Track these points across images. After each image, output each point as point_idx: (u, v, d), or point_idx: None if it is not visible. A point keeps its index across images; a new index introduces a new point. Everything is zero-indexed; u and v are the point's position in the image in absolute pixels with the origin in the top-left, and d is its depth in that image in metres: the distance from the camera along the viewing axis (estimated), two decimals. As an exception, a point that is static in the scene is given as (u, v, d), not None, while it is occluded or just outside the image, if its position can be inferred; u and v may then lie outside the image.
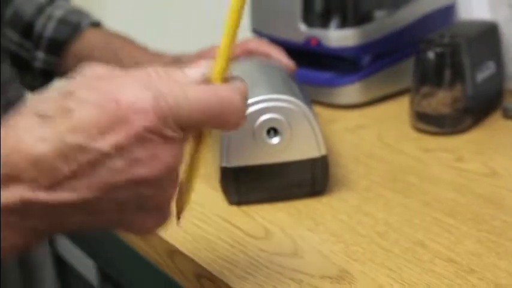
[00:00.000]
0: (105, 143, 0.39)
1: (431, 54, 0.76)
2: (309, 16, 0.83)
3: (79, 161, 0.38)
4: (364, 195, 0.65)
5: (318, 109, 0.82)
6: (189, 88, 0.41)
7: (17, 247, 0.40)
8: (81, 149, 0.38)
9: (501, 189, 0.65)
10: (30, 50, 0.90)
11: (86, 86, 0.40)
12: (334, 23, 0.83)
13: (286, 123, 0.62)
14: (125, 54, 0.87)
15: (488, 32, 0.83)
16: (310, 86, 0.84)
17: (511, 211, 0.61)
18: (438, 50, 0.76)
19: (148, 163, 0.40)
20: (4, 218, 0.38)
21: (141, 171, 0.40)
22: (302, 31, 0.83)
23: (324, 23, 0.83)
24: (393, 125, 0.80)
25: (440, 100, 0.76)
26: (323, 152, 0.63)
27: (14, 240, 0.40)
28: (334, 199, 0.65)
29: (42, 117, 0.39)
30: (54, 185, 0.38)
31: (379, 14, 0.84)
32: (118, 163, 0.39)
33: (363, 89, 0.85)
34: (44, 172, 0.38)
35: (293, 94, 0.63)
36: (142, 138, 0.39)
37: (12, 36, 0.89)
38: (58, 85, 0.42)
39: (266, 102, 0.62)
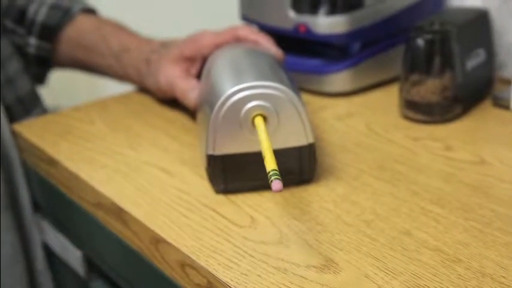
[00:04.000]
0: None
1: (420, 42, 0.75)
2: (297, 2, 0.82)
3: None
4: (351, 184, 0.64)
5: (307, 97, 0.81)
6: None
7: None
8: None
9: (490, 178, 0.65)
10: (23, 36, 0.89)
11: None
12: (323, 9, 0.82)
13: (273, 111, 0.61)
14: (114, 39, 0.87)
15: (479, 19, 0.82)
16: (299, 73, 0.83)
17: (499, 200, 0.61)
18: (428, 37, 0.75)
19: None
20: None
21: None
22: (291, 18, 0.82)
23: (313, 10, 0.82)
24: (382, 113, 0.79)
25: (430, 88, 0.75)
26: (310, 140, 0.63)
27: None
28: (321, 188, 0.64)
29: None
30: None
31: (369, 0, 0.83)
32: None
33: (352, 77, 0.84)
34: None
35: (280, 81, 0.62)
36: None
37: (6, 23, 0.88)
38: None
39: (253, 89, 0.61)
